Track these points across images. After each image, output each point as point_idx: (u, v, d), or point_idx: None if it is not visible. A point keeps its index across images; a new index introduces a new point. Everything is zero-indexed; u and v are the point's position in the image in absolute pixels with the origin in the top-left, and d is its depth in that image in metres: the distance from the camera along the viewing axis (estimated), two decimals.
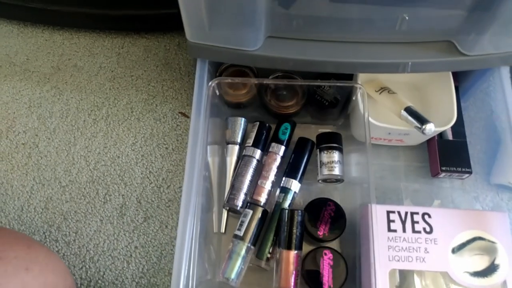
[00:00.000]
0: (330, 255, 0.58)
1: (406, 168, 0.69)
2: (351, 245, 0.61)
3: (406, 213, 0.57)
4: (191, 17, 0.53)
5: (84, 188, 0.70)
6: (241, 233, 0.60)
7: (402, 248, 0.55)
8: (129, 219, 0.67)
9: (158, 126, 0.75)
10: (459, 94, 0.67)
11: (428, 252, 0.54)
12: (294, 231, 0.59)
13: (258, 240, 0.62)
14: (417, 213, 0.57)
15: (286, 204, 0.63)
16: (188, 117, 0.75)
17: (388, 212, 0.57)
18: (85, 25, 0.84)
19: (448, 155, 0.65)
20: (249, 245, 0.60)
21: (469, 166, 0.64)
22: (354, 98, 0.64)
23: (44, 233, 0.67)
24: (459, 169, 0.64)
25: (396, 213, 0.57)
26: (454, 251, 0.55)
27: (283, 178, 0.65)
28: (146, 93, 0.78)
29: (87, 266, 0.64)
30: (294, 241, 0.58)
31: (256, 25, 0.54)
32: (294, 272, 0.57)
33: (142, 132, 0.74)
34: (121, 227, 0.67)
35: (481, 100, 0.68)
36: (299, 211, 0.60)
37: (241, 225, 0.61)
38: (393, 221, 0.56)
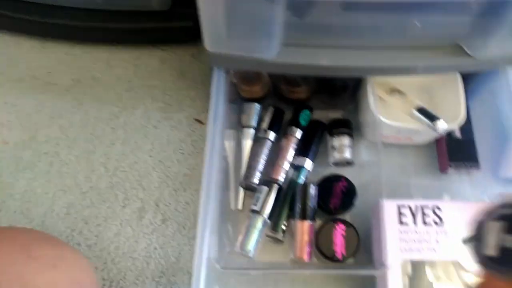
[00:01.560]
0: (343, 226, 0.61)
1: (415, 166, 0.71)
2: (362, 219, 0.64)
3: (416, 206, 0.58)
4: (210, 27, 0.56)
5: (104, 194, 0.72)
6: (257, 208, 0.64)
7: (413, 239, 0.56)
8: (147, 222, 0.70)
9: (174, 133, 0.77)
10: (466, 93, 0.69)
11: (438, 242, 0.56)
12: (308, 202, 0.63)
13: (273, 215, 0.65)
14: (427, 207, 0.58)
15: (300, 181, 0.67)
16: (203, 123, 0.78)
17: (399, 206, 0.58)
18: (103, 39, 0.87)
19: (456, 151, 0.67)
20: (265, 218, 0.64)
21: (476, 160, 0.66)
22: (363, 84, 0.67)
23: (66, 237, 0.69)
24: (467, 163, 0.66)
25: (407, 207, 0.58)
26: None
27: (296, 157, 0.68)
28: (162, 102, 0.81)
29: (108, 268, 0.66)
30: (307, 211, 0.62)
31: (272, 35, 0.56)
32: (308, 242, 0.61)
33: (159, 139, 0.77)
34: (140, 229, 0.69)
35: (488, 99, 0.69)
36: (312, 184, 0.64)
37: (257, 200, 0.65)
38: (404, 214, 0.58)
